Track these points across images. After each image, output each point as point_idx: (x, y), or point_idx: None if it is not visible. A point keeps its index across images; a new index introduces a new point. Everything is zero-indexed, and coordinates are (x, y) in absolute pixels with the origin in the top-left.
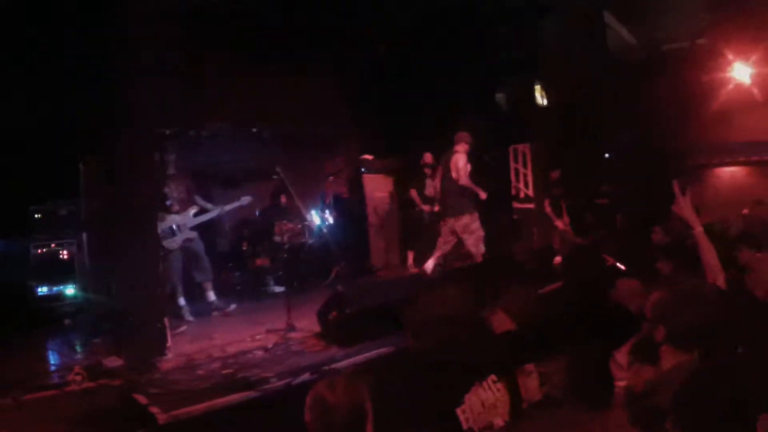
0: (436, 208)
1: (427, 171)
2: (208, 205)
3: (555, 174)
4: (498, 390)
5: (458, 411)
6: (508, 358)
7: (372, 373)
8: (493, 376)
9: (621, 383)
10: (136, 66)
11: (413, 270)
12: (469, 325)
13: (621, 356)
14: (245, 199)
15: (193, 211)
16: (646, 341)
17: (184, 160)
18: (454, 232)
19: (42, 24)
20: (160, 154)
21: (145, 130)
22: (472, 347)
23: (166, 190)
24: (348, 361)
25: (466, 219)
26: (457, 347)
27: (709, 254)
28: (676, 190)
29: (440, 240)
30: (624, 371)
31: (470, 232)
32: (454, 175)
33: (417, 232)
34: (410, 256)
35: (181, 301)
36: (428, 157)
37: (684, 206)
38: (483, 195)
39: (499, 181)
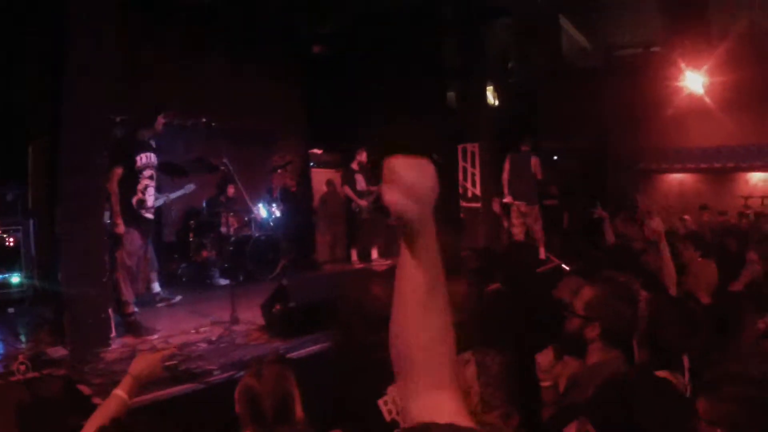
0: (364, 203)
1: (356, 167)
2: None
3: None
4: None
5: (380, 402)
6: None
7: (297, 361)
8: None
9: (545, 384)
10: (86, 51)
11: (358, 265)
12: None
13: (542, 357)
14: (189, 187)
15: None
16: (572, 339)
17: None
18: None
19: None
20: (110, 141)
21: (92, 115)
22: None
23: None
24: (292, 354)
25: (537, 209)
26: (381, 343)
27: (670, 269)
28: (644, 207)
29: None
30: (545, 373)
31: (536, 219)
32: (534, 171)
33: (357, 227)
34: (353, 252)
35: (155, 286)
36: (364, 155)
37: (654, 225)
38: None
39: (447, 179)
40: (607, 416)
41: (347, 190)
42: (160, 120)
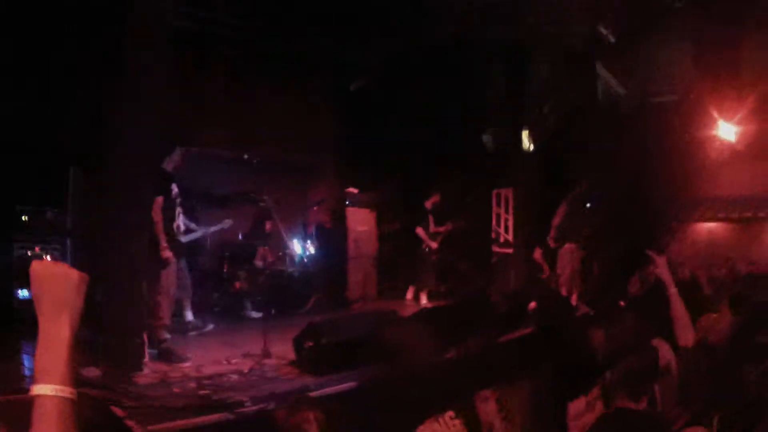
0: (434, 245)
1: (429, 207)
2: (192, 225)
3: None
4: (455, 425)
5: None
6: (466, 393)
7: (324, 402)
8: (451, 413)
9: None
10: (138, 82)
11: (410, 304)
12: (427, 363)
13: (574, 406)
14: (226, 222)
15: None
16: (608, 391)
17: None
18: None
19: (42, 29)
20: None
21: (142, 146)
22: (426, 383)
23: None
24: (321, 391)
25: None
26: (411, 382)
27: (681, 314)
28: (652, 253)
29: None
30: (574, 420)
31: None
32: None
33: (422, 268)
34: (410, 290)
35: (189, 315)
36: (437, 197)
37: (661, 266)
38: None
39: (480, 223)
40: None
41: (420, 231)
42: (177, 154)
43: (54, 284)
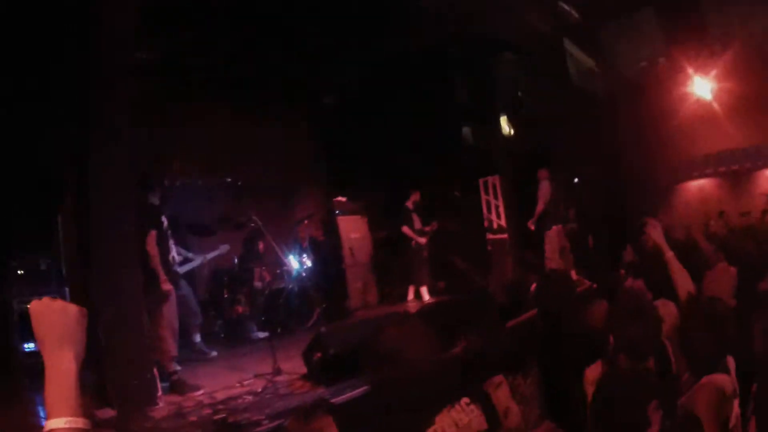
0: (423, 240)
1: (411, 206)
2: (189, 254)
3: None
4: (472, 411)
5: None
6: (477, 380)
7: (342, 406)
8: (466, 399)
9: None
10: (109, 114)
11: (412, 303)
12: (431, 361)
13: (590, 371)
14: (223, 248)
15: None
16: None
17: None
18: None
19: (8, 72)
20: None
21: (116, 179)
22: (437, 376)
23: (170, 238)
24: (336, 399)
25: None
26: (421, 378)
27: (681, 277)
28: (648, 219)
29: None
30: (593, 384)
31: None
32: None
33: (415, 266)
34: (411, 290)
35: (197, 338)
36: (418, 195)
37: (655, 232)
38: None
39: (471, 214)
40: None
41: (406, 229)
42: (158, 186)
43: (54, 319)
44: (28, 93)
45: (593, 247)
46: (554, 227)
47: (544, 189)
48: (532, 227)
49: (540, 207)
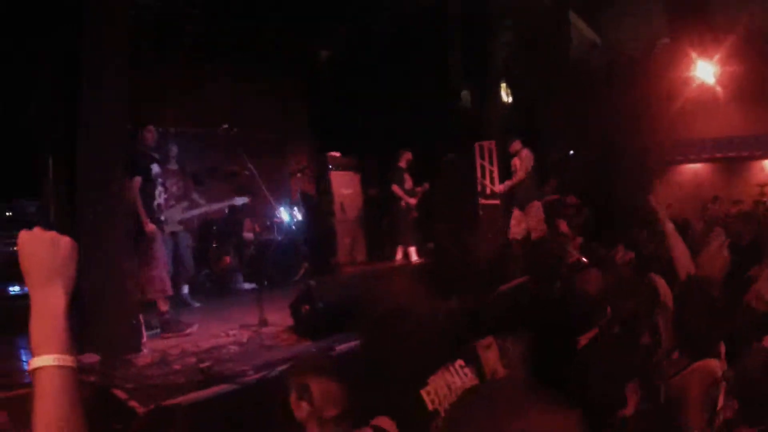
0: (413, 201)
1: (404, 165)
2: (201, 201)
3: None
4: (466, 375)
5: (423, 393)
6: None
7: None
8: (460, 361)
9: None
10: (100, 64)
11: (401, 264)
12: (420, 317)
13: (585, 340)
14: (238, 200)
15: (183, 205)
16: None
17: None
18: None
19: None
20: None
21: (105, 126)
22: (427, 336)
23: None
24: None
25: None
26: (407, 340)
27: (679, 250)
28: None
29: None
30: None
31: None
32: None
33: (405, 226)
34: (399, 250)
35: (184, 289)
36: (409, 155)
37: (656, 202)
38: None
39: (465, 178)
40: None
41: (396, 189)
42: (148, 133)
43: (44, 252)
44: (19, 37)
45: (586, 221)
46: (535, 202)
47: (527, 159)
48: (500, 189)
49: (521, 175)
